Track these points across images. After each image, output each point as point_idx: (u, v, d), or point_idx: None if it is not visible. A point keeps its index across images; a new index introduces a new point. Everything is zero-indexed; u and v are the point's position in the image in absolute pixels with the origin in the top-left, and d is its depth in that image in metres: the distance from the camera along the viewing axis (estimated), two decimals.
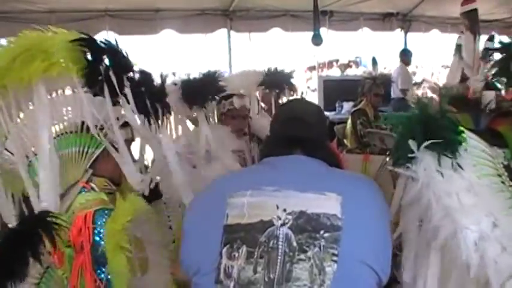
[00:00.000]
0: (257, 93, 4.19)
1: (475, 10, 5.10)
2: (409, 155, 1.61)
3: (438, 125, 1.62)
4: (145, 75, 2.11)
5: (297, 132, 1.78)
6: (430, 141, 1.58)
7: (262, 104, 4.55)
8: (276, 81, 4.22)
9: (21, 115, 2.00)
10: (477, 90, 3.10)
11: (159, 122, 2.16)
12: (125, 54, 2.02)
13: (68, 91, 2.05)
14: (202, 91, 2.71)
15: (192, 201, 1.82)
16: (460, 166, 1.58)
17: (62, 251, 1.79)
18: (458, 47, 5.24)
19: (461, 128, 1.64)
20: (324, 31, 7.17)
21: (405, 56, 8.69)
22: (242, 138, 3.67)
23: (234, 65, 7.96)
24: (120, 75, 1.98)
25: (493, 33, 6.59)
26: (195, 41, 8.35)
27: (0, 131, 1.99)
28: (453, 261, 1.54)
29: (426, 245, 1.63)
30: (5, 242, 1.73)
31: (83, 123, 2.08)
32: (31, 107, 1.98)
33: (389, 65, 8.60)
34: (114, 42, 2.00)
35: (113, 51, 1.98)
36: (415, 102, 1.72)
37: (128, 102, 2.02)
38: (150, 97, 2.10)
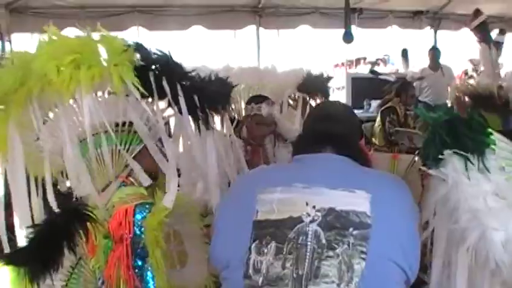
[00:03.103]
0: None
1: (484, 22, 5.09)
2: (437, 156, 1.61)
3: (466, 126, 1.61)
4: (197, 79, 2.13)
5: (327, 129, 1.79)
6: (457, 142, 1.58)
7: (291, 101, 4.56)
8: (312, 86, 4.23)
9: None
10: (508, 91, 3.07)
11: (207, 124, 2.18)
12: (177, 62, 2.05)
13: None
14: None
15: (223, 197, 1.83)
16: (487, 169, 1.57)
17: (96, 243, 1.83)
18: (496, 44, 5.21)
19: (490, 130, 1.63)
20: (353, 29, 7.12)
21: (434, 54, 8.31)
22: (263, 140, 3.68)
23: (262, 62, 7.95)
24: (173, 83, 2.00)
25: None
26: (224, 37, 8.36)
27: (31, 123, 2.03)
28: (481, 263, 1.54)
29: (454, 246, 1.63)
30: (42, 232, 1.78)
31: (124, 122, 2.11)
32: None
33: (418, 64, 8.45)
34: (167, 52, 2.02)
35: (163, 59, 2.01)
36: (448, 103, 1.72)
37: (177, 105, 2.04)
38: (201, 101, 2.11)
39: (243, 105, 3.60)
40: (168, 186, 1.98)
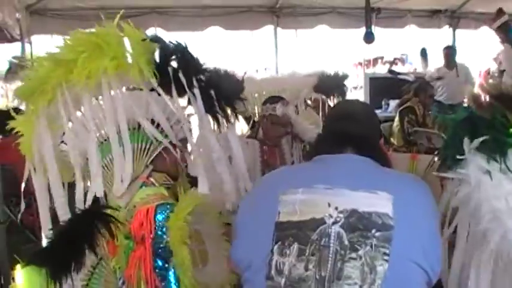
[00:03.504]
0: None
1: (506, 22, 5.03)
2: (458, 157, 1.60)
3: (488, 126, 1.60)
4: (217, 76, 2.16)
5: (348, 129, 1.77)
6: (479, 142, 1.57)
7: (309, 102, 4.57)
8: (328, 87, 4.24)
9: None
10: None
11: (227, 122, 2.20)
12: (193, 55, 2.06)
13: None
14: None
15: (244, 198, 1.83)
16: (509, 169, 1.56)
17: (117, 243, 1.84)
18: None
19: None
20: None
21: (449, 53, 8.01)
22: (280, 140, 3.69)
23: (280, 62, 7.96)
24: (189, 76, 2.02)
25: None
26: (242, 37, 8.38)
27: (58, 124, 2.07)
28: (503, 264, 1.53)
29: (476, 247, 1.62)
30: (64, 232, 1.80)
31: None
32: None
33: (437, 63, 8.37)
34: (183, 44, 2.04)
35: (181, 52, 2.03)
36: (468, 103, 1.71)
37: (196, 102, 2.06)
38: (219, 98, 2.13)
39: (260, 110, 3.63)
40: (197, 175, 2.04)
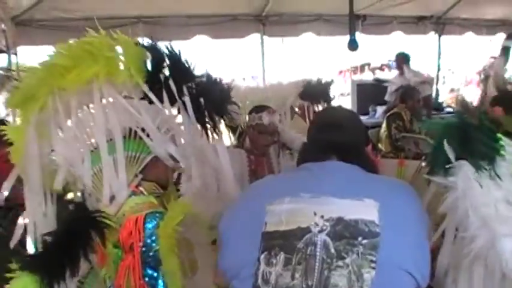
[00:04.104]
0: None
1: None
2: (447, 165, 1.60)
3: (475, 132, 1.60)
4: (207, 84, 2.16)
5: (332, 137, 1.78)
6: (466, 149, 1.57)
7: (297, 109, 4.57)
8: (313, 93, 4.25)
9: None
10: None
11: (216, 131, 2.21)
12: (185, 63, 2.08)
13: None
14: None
15: (230, 208, 1.83)
16: (498, 176, 1.57)
17: (106, 252, 1.83)
18: (505, 49, 5.16)
19: (499, 135, 1.62)
20: (356, 35, 7.12)
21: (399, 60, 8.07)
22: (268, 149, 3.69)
23: (267, 70, 7.96)
24: (180, 84, 2.03)
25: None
26: (228, 46, 8.38)
27: (47, 133, 2.05)
28: (491, 269, 1.53)
29: (462, 254, 1.61)
30: (58, 240, 1.78)
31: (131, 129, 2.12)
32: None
33: (423, 69, 8.43)
34: (176, 51, 2.06)
35: (174, 59, 2.04)
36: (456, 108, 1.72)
37: (186, 110, 2.07)
38: (208, 107, 2.14)
39: (247, 119, 3.63)
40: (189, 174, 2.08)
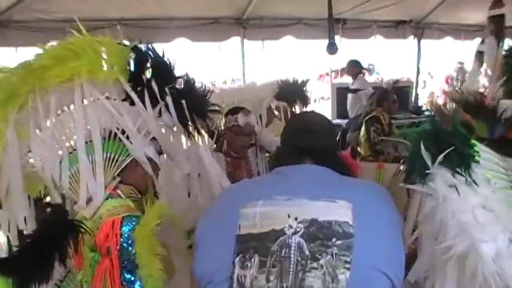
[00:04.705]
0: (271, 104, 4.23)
1: (503, 16, 5.01)
2: (424, 171, 1.61)
3: (450, 138, 1.61)
4: (189, 86, 2.16)
5: (306, 141, 1.80)
6: (442, 156, 1.58)
7: (276, 112, 4.57)
8: (289, 94, 4.26)
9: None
10: (496, 98, 3.06)
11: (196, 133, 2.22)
12: (168, 64, 2.08)
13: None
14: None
15: (204, 212, 1.82)
16: (474, 182, 1.58)
17: (83, 256, 1.81)
18: (479, 54, 5.18)
19: (474, 141, 1.63)
20: (336, 39, 7.15)
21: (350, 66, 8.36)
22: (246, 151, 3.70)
23: (247, 73, 7.97)
24: (162, 85, 2.04)
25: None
26: (209, 49, 8.37)
27: (25, 133, 2.03)
28: (470, 276, 1.53)
29: (441, 260, 1.62)
30: (33, 243, 1.76)
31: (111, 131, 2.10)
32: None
33: (403, 73, 8.51)
34: (160, 52, 2.07)
35: (156, 60, 2.05)
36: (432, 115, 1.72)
37: (169, 111, 2.08)
38: (190, 108, 2.14)
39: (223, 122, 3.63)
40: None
